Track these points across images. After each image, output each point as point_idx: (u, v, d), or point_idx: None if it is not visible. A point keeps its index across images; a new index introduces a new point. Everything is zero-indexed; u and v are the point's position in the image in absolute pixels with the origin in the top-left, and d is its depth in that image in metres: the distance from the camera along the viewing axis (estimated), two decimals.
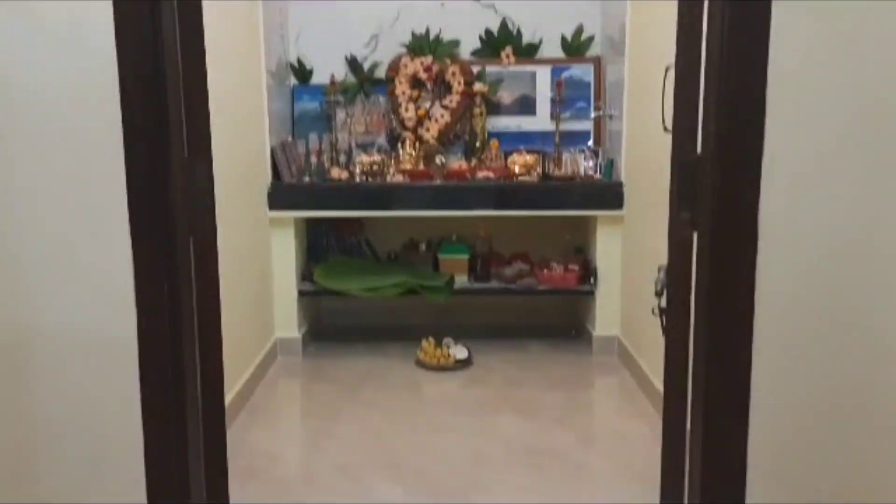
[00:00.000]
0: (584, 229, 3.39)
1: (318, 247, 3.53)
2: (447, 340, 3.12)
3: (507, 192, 3.12)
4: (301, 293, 3.22)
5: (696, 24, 1.18)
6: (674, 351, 1.18)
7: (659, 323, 1.43)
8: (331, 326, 3.57)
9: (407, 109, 3.40)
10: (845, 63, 1.08)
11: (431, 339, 3.10)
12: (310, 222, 3.44)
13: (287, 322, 3.18)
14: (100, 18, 1.06)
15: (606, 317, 3.20)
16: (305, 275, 3.30)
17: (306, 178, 3.23)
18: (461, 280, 3.31)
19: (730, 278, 1.06)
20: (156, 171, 1.04)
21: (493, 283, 3.32)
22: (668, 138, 1.23)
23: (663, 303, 1.30)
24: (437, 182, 3.18)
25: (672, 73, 1.28)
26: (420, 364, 3.06)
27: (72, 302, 1.13)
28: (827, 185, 1.09)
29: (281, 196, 3.09)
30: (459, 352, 3.07)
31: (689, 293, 1.18)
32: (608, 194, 3.11)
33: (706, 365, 1.09)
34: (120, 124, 1.07)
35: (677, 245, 1.19)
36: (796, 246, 1.08)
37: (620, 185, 3.10)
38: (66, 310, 1.13)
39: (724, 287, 1.06)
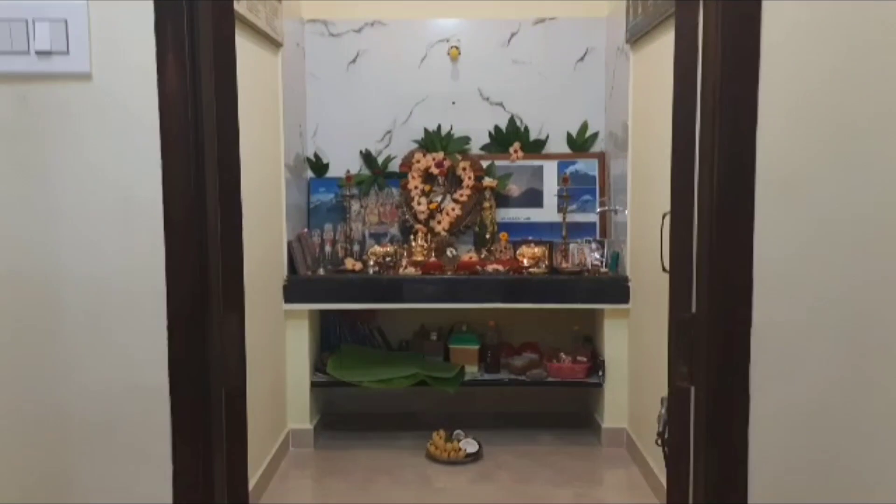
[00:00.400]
0: (592, 320, 3.46)
1: (331, 335, 3.60)
2: (457, 433, 3.16)
3: (515, 285, 3.21)
4: (314, 384, 3.28)
5: (689, 184, 1.28)
6: (674, 488, 1.24)
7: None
8: (342, 415, 3.61)
9: (419, 203, 3.53)
10: (830, 243, 1.17)
11: (442, 433, 3.14)
12: (324, 311, 3.52)
13: (300, 413, 3.23)
14: (149, 192, 1.17)
15: (614, 409, 3.24)
16: (318, 365, 3.37)
17: (321, 270, 3.34)
18: (471, 370, 3.37)
19: (724, 434, 1.13)
20: (195, 331, 1.14)
21: (503, 375, 3.37)
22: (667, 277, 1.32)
23: (666, 434, 1.36)
24: (448, 274, 3.27)
25: (671, 227, 1.36)
26: (431, 457, 3.09)
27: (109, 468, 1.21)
28: (814, 352, 1.16)
29: (296, 289, 3.19)
30: (469, 445, 3.10)
31: (689, 439, 1.24)
32: (614, 288, 3.19)
33: None
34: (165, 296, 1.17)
35: (676, 395, 1.26)
36: (786, 407, 1.15)
37: (626, 279, 3.18)
38: (103, 475, 1.21)
39: (719, 441, 1.13)
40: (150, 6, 1.15)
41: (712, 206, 1.19)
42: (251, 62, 2.79)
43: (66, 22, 1.14)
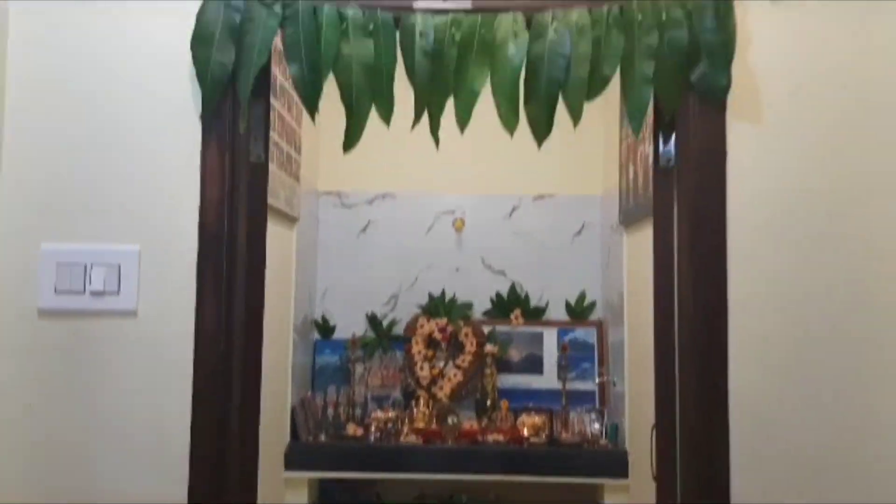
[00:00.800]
0: (594, 493, 3.43)
1: (330, 501, 3.56)
2: None
3: (515, 457, 3.22)
4: None
5: (671, 398, 1.39)
6: None
7: None
8: None
9: (422, 368, 3.61)
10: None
11: None
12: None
13: None
14: (178, 423, 1.28)
15: None
16: None
17: (322, 436, 3.36)
18: None
19: None
20: None
21: None
22: None
23: None
24: (449, 444, 3.29)
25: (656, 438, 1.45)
26: None
27: None
28: None
29: (298, 456, 3.21)
30: None
31: None
32: (614, 461, 3.20)
33: None
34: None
35: None
36: None
37: (625, 452, 3.20)
38: None
39: None
40: (195, 253, 1.31)
41: (692, 427, 1.29)
42: (269, 240, 2.97)
43: (119, 266, 1.30)
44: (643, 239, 3.16)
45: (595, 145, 3.82)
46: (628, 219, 3.26)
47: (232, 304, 1.28)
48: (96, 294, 1.29)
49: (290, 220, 3.28)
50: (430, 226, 3.86)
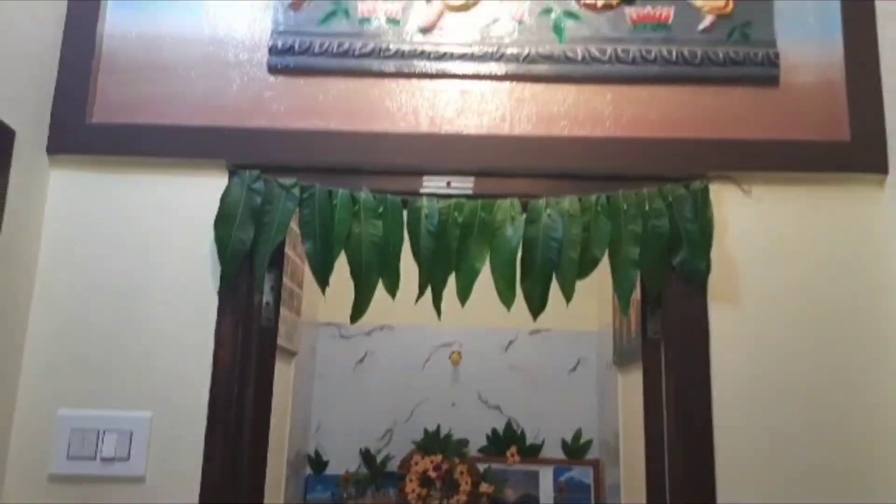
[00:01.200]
0: None
1: None
2: None
3: None
4: None
5: None
6: None
7: None
8: None
9: None
10: None
11: None
12: None
13: None
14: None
15: None
16: None
17: None
18: None
19: None
20: None
21: None
22: None
23: None
24: None
25: None
26: None
27: None
28: None
29: None
30: None
31: None
32: None
33: None
34: None
35: None
36: None
37: None
38: None
39: None
40: (205, 418, 1.37)
41: None
42: None
43: (130, 433, 1.36)
44: (637, 379, 3.22)
45: (590, 281, 3.93)
46: (622, 359, 3.32)
47: (237, 471, 1.33)
48: (107, 460, 1.34)
49: (288, 354, 3.33)
50: (426, 359, 3.91)
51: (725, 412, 1.57)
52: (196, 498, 1.31)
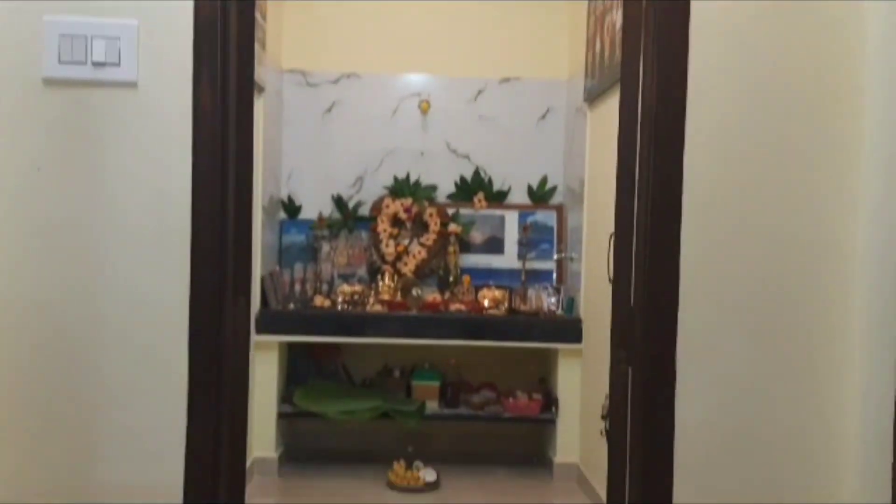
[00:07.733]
0: (548, 361, 3.66)
1: (297, 371, 3.72)
2: (417, 463, 3.28)
3: (476, 324, 3.41)
4: (280, 415, 3.38)
5: (629, 209, 1.53)
6: (614, 465, 1.44)
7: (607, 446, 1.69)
8: (307, 448, 3.69)
9: (387, 245, 3.74)
10: (739, 253, 1.43)
11: (402, 462, 3.26)
12: (291, 347, 3.65)
13: (265, 442, 3.32)
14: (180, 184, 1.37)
15: (567, 445, 3.41)
16: (285, 397, 3.48)
17: (291, 306, 3.49)
18: (432, 406, 3.52)
19: (655, 405, 1.34)
20: (213, 315, 1.32)
21: (462, 410, 3.53)
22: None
23: (608, 425, 1.57)
24: (413, 312, 3.46)
25: (615, 240, 1.61)
26: (391, 486, 3.20)
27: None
28: (726, 337, 1.40)
29: (267, 322, 3.33)
30: (428, 475, 3.23)
31: (627, 417, 1.45)
32: (568, 329, 3.42)
33: (640, 477, 1.35)
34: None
35: (616, 378, 1.47)
36: (706, 379, 1.38)
37: (579, 321, 3.42)
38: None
39: (650, 412, 1.34)
40: (191, 33, 1.37)
41: (647, 225, 1.44)
42: None
43: (119, 39, 1.35)
44: (606, 118, 3.29)
45: (561, 29, 3.89)
46: (592, 95, 3.38)
47: (226, 86, 1.36)
48: (98, 65, 1.35)
49: (255, 88, 3.30)
50: (395, 108, 3.91)
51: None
52: (189, 103, 1.33)
